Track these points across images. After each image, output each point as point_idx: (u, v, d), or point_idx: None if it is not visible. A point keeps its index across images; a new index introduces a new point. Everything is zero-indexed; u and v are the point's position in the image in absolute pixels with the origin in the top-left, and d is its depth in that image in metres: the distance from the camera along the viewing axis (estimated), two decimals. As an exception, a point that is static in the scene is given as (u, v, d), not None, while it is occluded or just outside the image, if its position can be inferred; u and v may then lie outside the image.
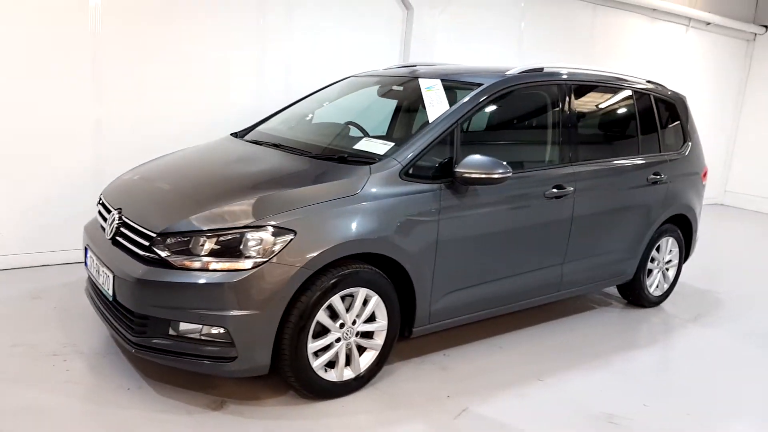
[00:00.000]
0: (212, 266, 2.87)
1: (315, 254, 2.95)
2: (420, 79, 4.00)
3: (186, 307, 2.87)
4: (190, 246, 2.92)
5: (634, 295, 4.95)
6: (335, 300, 3.09)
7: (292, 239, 2.92)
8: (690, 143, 5.08)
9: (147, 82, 4.92)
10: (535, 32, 7.51)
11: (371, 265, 3.22)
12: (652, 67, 8.92)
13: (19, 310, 3.93)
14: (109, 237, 3.26)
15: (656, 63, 9.05)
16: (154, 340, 2.96)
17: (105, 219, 3.43)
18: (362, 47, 6.05)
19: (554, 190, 3.92)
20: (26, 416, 2.86)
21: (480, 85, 3.75)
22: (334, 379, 3.21)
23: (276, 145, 3.81)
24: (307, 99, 4.62)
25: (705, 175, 5.24)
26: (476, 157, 3.43)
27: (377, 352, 3.34)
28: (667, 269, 5.09)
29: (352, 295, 3.18)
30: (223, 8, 5.19)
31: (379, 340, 3.34)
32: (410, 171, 3.36)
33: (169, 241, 2.95)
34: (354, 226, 3.11)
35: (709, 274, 6.19)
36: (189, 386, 3.21)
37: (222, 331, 2.88)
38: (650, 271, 4.94)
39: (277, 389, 3.26)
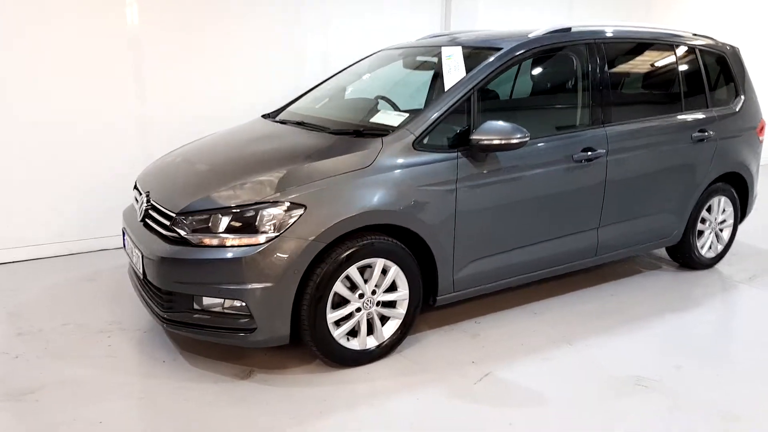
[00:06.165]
0: (229, 242, 2.98)
1: (326, 228, 3.00)
2: (443, 48, 3.97)
3: (206, 283, 3.00)
4: (209, 224, 3.04)
5: (684, 257, 4.76)
6: (352, 271, 3.15)
7: (302, 214, 3.00)
8: (742, 97, 4.80)
9: (190, 77, 5.11)
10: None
11: (391, 236, 3.26)
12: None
13: (74, 292, 4.20)
14: (139, 219, 3.44)
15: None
16: (181, 315, 3.12)
17: (138, 202, 3.62)
18: (401, 27, 6.05)
19: (584, 154, 3.82)
20: (64, 388, 3.07)
21: (500, 49, 3.69)
22: (357, 348, 3.28)
23: (300, 123, 3.89)
24: (337, 76, 4.66)
25: (762, 129, 4.95)
26: (492, 123, 3.38)
27: (400, 321, 3.39)
28: (721, 230, 4.86)
29: (371, 266, 3.23)
30: (261, 2, 5.31)
31: (402, 309, 3.38)
32: (425, 141, 3.36)
33: (188, 220, 3.08)
34: (366, 198, 3.14)
35: (774, 233, 5.86)
36: (222, 358, 3.37)
37: (241, 304, 3.00)
38: (701, 232, 4.73)
39: (304, 359, 3.36)
